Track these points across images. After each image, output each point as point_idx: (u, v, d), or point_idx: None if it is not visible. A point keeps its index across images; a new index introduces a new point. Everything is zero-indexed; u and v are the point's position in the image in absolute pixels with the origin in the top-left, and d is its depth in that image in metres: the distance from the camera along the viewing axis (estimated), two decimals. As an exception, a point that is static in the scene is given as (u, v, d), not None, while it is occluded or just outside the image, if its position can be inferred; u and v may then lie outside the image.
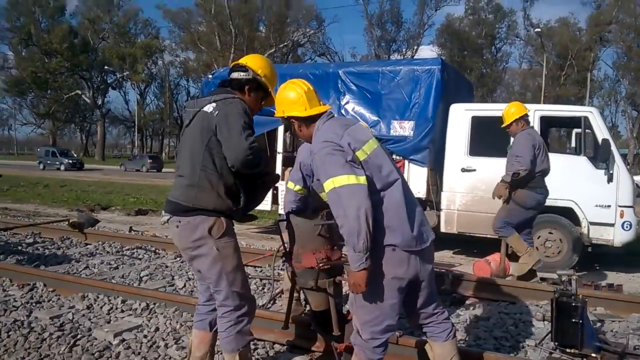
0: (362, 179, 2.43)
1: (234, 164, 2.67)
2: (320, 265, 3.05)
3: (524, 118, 5.97)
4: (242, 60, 2.97)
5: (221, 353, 3.34)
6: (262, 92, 2.94)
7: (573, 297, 3.31)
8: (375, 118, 8.53)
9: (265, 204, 8.77)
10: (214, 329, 2.93)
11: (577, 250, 7.34)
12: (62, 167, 40.16)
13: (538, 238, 7.54)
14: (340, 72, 8.91)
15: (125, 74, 59.65)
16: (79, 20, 62.72)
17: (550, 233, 7.53)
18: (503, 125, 6.21)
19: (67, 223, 7.42)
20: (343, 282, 3.27)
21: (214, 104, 2.76)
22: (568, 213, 7.43)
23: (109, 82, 64.32)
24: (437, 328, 2.73)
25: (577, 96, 50.84)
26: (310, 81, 8.89)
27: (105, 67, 58.90)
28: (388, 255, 2.49)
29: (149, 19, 65.17)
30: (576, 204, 7.37)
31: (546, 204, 7.46)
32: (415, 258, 2.52)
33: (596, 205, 7.28)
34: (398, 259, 2.49)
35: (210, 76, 10.29)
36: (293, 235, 3.32)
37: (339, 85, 8.83)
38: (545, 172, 5.97)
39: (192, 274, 5.89)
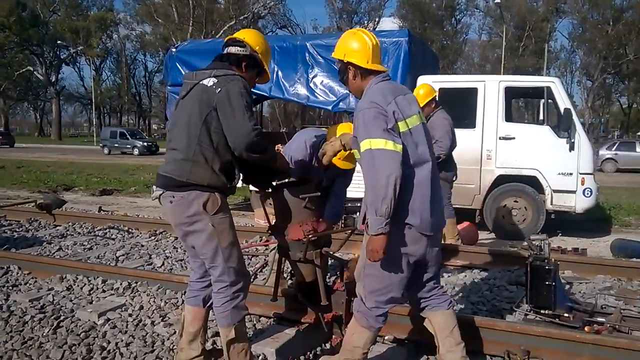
0: (399, 147, 2.46)
1: (236, 147, 2.64)
2: (309, 237, 3.11)
3: (434, 99, 6.05)
4: (239, 35, 2.92)
5: (211, 328, 3.40)
6: (257, 69, 2.91)
7: (546, 260, 3.48)
8: (344, 91, 8.52)
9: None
10: (207, 304, 2.95)
11: (542, 217, 7.63)
12: (136, 152, 33.57)
13: (504, 207, 7.82)
14: (307, 44, 8.85)
15: (79, 48, 57.37)
16: (27, -8, 59.73)
17: (515, 201, 7.80)
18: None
19: (33, 204, 7.24)
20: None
21: (214, 79, 2.69)
22: (532, 181, 7.69)
23: (62, 57, 61.69)
24: (439, 299, 2.82)
25: (534, 67, 51.96)
26: (277, 54, 8.83)
27: (58, 42, 56.43)
28: (403, 233, 2.56)
29: (100, -11, 62.65)
30: (540, 172, 7.63)
31: (511, 173, 7.77)
32: (426, 240, 2.61)
33: (559, 173, 7.55)
34: (412, 237, 2.57)
35: (174, 50, 10.03)
36: (279, 209, 3.36)
37: (307, 58, 8.77)
38: (454, 148, 6.04)
39: (170, 253, 5.88)
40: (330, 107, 8.70)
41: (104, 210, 8.69)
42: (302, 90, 8.77)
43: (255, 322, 3.70)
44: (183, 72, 9.54)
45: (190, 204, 2.66)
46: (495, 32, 56.88)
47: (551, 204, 7.63)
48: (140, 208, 10.45)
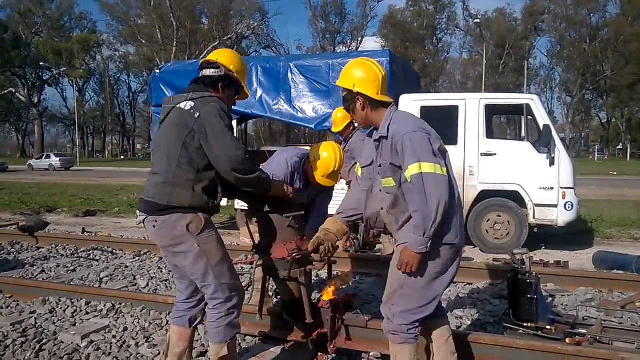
0: (445, 171, 2.54)
1: (222, 169, 2.64)
2: (293, 255, 3.13)
3: (352, 122, 6.33)
4: (212, 57, 2.90)
5: (196, 348, 3.38)
6: (235, 87, 2.90)
7: (527, 274, 3.54)
8: (327, 110, 8.61)
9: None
10: (193, 324, 2.95)
11: (525, 231, 7.73)
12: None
13: (487, 221, 7.91)
14: (290, 64, 8.95)
15: (62, 69, 57.25)
16: (8, 14, 59.63)
17: (498, 216, 7.89)
18: (335, 130, 6.60)
19: (16, 227, 7.15)
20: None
21: (191, 103, 2.69)
22: (514, 196, 7.80)
23: (44, 78, 61.53)
24: (438, 309, 2.86)
25: (515, 84, 52.96)
26: (260, 74, 8.93)
27: (40, 63, 56.28)
28: (446, 252, 2.62)
29: (84, 12, 62.90)
30: (521, 187, 7.74)
31: (494, 189, 7.88)
32: (459, 258, 2.71)
33: (540, 188, 7.67)
34: (453, 257, 2.67)
35: (158, 71, 10.08)
36: (263, 227, 3.38)
37: (290, 78, 8.87)
38: None
39: (154, 273, 5.85)
40: (313, 125, 8.78)
41: (87, 232, 8.60)
42: (285, 108, 8.85)
43: (240, 340, 3.69)
44: (167, 93, 9.59)
45: (173, 226, 2.65)
46: (475, 51, 58.01)
47: (534, 217, 7.73)
48: (124, 228, 10.37)
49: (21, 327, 4.02)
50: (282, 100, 8.93)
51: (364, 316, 3.51)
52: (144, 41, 53.08)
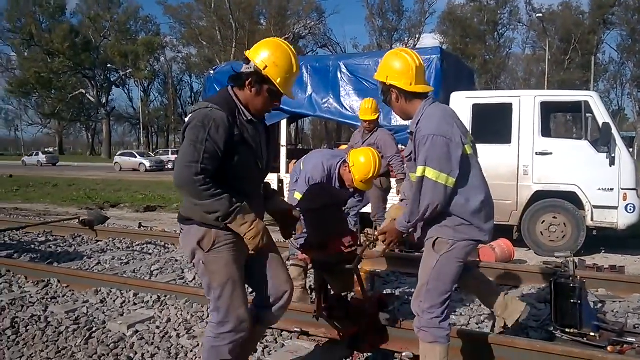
0: (451, 181, 2.64)
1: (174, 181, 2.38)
2: (350, 248, 3.21)
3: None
4: (248, 51, 2.55)
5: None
6: (268, 85, 2.43)
7: (571, 278, 3.40)
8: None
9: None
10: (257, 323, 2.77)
11: (582, 234, 7.42)
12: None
13: (542, 223, 7.64)
14: (340, 63, 8.99)
15: (128, 71, 59.87)
16: (80, 19, 63.16)
17: (554, 218, 7.60)
18: (364, 118, 6.52)
19: (77, 221, 7.57)
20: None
21: (193, 110, 2.45)
22: (571, 197, 7.49)
23: (112, 80, 64.63)
24: None
25: (581, 80, 50.58)
26: (310, 73, 9.05)
27: (108, 65, 59.11)
28: (471, 248, 2.81)
29: (149, 16, 65.67)
30: (579, 188, 7.43)
31: (549, 189, 7.60)
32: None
33: (599, 189, 7.33)
34: (470, 251, 2.82)
35: (212, 72, 10.38)
36: (315, 224, 3.44)
37: (339, 77, 8.91)
38: None
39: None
40: (362, 124, 8.76)
41: (143, 227, 8.97)
42: (334, 107, 8.90)
43: (276, 336, 3.75)
44: (220, 93, 9.88)
45: (189, 237, 2.51)
46: (539, 46, 55.79)
47: (592, 220, 7.40)
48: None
49: (74, 315, 4.27)
50: (331, 99, 8.98)
51: (399, 316, 3.50)
52: (205, 43, 54.59)
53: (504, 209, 7.63)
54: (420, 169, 2.65)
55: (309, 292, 4.45)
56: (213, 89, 9.99)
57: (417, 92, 2.72)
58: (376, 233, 3.11)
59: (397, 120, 8.41)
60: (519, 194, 7.71)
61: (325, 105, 9.00)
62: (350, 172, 3.82)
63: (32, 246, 7.30)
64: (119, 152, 42.86)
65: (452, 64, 8.97)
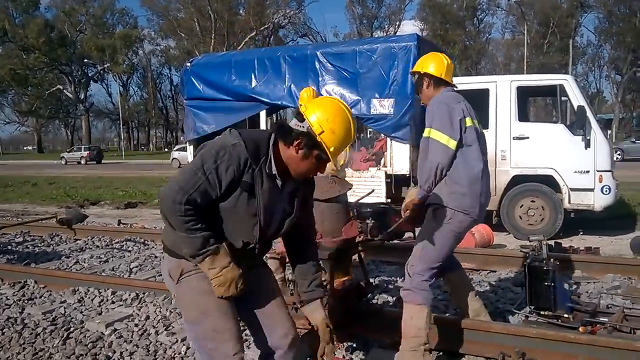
0: (452, 144, 3.00)
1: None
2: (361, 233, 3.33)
3: None
4: (303, 104, 2.22)
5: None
6: (319, 152, 2.09)
7: (544, 261, 3.45)
8: (355, 97, 8.56)
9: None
10: None
11: (560, 217, 7.51)
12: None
13: (521, 207, 7.72)
14: (317, 53, 8.90)
15: (105, 65, 59.04)
16: (55, 14, 61.93)
17: (532, 201, 7.70)
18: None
19: (55, 220, 7.47)
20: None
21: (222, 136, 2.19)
22: (548, 180, 7.59)
23: (89, 75, 63.63)
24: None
25: (560, 63, 51.02)
26: (288, 64, 8.95)
27: (85, 60, 58.17)
28: (462, 217, 3.05)
29: (125, 8, 64.61)
30: (556, 171, 7.52)
31: (527, 173, 7.68)
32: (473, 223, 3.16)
33: (575, 172, 7.43)
34: (469, 225, 3.13)
35: (189, 64, 10.22)
36: (326, 215, 3.46)
37: (317, 67, 8.83)
38: None
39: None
40: (341, 114, 8.74)
41: (123, 223, 8.89)
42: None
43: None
44: (198, 86, 9.75)
45: (163, 267, 2.34)
46: (518, 30, 56.06)
47: (569, 202, 7.51)
48: (161, 219, 10.65)
49: (51, 315, 4.22)
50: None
51: (377, 303, 3.52)
52: (183, 34, 53.99)
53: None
54: (426, 131, 3.10)
55: (288, 284, 4.45)
56: (191, 81, 9.86)
57: (445, 80, 3.21)
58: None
59: (376, 109, 8.41)
60: (497, 179, 7.77)
61: (304, 95, 8.95)
62: None
63: (9, 247, 7.19)
64: (176, 147, 38.23)
65: (429, 50, 8.87)
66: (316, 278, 2.41)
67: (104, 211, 12.45)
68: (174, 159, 35.45)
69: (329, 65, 8.80)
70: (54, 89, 59.30)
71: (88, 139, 61.93)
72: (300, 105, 2.20)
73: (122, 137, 64.27)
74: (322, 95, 8.77)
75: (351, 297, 3.50)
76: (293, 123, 2.12)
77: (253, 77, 9.22)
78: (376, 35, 51.81)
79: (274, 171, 2.13)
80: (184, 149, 36.35)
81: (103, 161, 44.08)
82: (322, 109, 2.09)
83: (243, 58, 9.72)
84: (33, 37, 54.93)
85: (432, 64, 3.25)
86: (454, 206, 3.01)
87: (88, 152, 44.37)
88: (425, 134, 3.12)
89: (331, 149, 2.08)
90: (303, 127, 2.07)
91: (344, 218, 3.54)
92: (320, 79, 8.84)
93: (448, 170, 3.02)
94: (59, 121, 74.06)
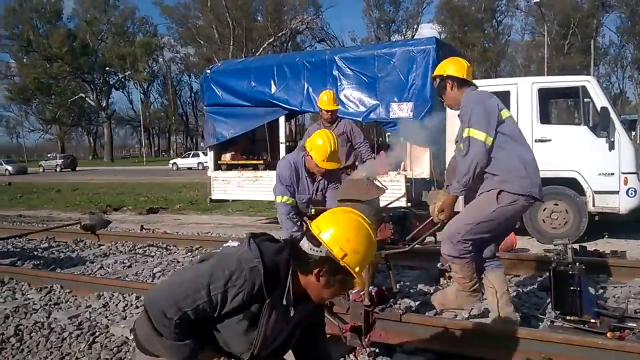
0: (490, 140, 3.32)
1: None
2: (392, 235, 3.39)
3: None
4: (315, 225, 1.91)
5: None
6: (342, 275, 1.87)
7: (570, 265, 3.39)
8: (374, 102, 8.58)
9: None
10: None
11: (584, 220, 7.39)
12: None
13: (544, 210, 7.62)
14: (336, 58, 8.95)
15: (126, 73, 59.98)
16: (77, 23, 63.09)
17: (555, 204, 7.58)
18: (326, 108, 6.23)
19: (79, 226, 7.59)
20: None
21: (236, 244, 2.00)
22: (572, 183, 7.47)
23: (111, 83, 64.69)
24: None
25: (582, 64, 50.28)
26: (307, 69, 9.01)
27: (107, 68, 59.20)
28: (506, 196, 3.34)
29: (145, 16, 65.47)
30: (579, 173, 7.40)
31: (550, 176, 7.57)
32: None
33: (599, 174, 7.30)
34: (514, 206, 3.39)
35: (209, 71, 10.35)
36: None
37: (336, 71, 8.88)
38: None
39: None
40: (360, 118, 8.75)
41: (145, 229, 8.99)
42: (332, 102, 8.85)
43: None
44: (217, 92, 9.87)
45: None
46: (538, 32, 55.42)
47: (593, 205, 7.37)
48: (183, 225, 10.75)
49: (77, 320, 4.29)
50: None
51: (398, 309, 3.50)
52: (202, 42, 54.55)
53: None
54: (467, 130, 3.36)
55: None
56: (210, 88, 9.99)
57: (468, 80, 3.48)
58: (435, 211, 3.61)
59: (395, 113, 8.40)
60: (520, 182, 7.68)
61: (323, 100, 8.97)
62: (312, 157, 4.09)
63: (35, 253, 7.32)
64: (172, 161, 43.08)
65: (448, 54, 8.90)
66: None
67: (126, 217, 12.61)
68: (173, 163, 41.39)
69: (348, 69, 8.85)
70: (77, 97, 60.49)
71: (110, 145, 62.94)
72: (312, 226, 1.91)
73: (143, 144, 65.08)
74: (340, 99, 8.79)
75: (374, 302, 3.48)
76: (307, 247, 1.86)
77: (272, 82, 9.30)
78: (394, 39, 51.69)
79: (290, 302, 1.89)
80: (188, 155, 39.56)
81: (78, 168, 47.41)
82: (337, 227, 1.86)
83: (262, 64, 9.83)
84: (56, 47, 56.12)
85: (453, 66, 3.50)
86: (513, 190, 3.32)
87: (63, 160, 48.58)
88: (465, 134, 3.37)
89: (356, 269, 1.85)
90: (321, 251, 1.82)
91: (378, 220, 3.55)
92: (339, 83, 8.88)
93: (485, 166, 3.33)
94: (81, 128, 75.42)
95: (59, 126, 67.05)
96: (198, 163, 38.02)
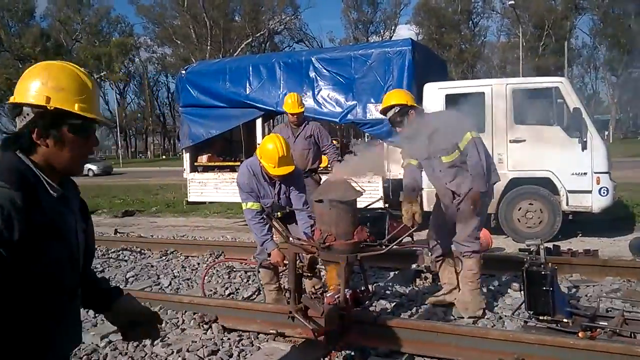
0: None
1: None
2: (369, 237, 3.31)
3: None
4: (12, 97, 1.59)
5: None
6: (67, 124, 1.53)
7: (542, 265, 3.41)
8: (351, 102, 8.57)
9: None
10: None
11: (558, 219, 7.49)
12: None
13: (519, 210, 7.69)
14: (312, 58, 8.92)
15: (102, 74, 58.94)
16: (50, 23, 61.78)
17: (530, 204, 7.66)
18: (294, 112, 6.20)
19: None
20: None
21: None
22: (546, 183, 7.56)
23: (86, 83, 63.56)
24: None
25: (556, 65, 51.10)
26: (283, 70, 8.94)
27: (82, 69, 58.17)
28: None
29: (119, 15, 64.56)
30: (553, 173, 7.49)
31: (524, 176, 7.65)
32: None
33: (572, 174, 7.40)
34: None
35: (184, 72, 10.21)
36: (337, 218, 3.41)
37: (312, 72, 8.84)
38: None
39: (178, 272, 5.96)
40: (337, 119, 8.74)
41: (120, 233, 8.83)
42: (308, 103, 8.79)
43: (252, 338, 3.71)
44: (193, 93, 9.74)
45: None
46: (513, 33, 56.18)
47: (567, 205, 7.47)
48: (159, 227, 10.60)
49: (46, 328, 4.16)
50: (305, 95, 8.89)
51: (374, 311, 3.48)
52: (179, 42, 53.96)
53: (481, 197, 7.67)
54: (466, 136, 3.89)
55: (283, 292, 4.41)
56: (186, 88, 9.86)
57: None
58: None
59: (372, 114, 8.40)
60: (495, 182, 7.74)
61: (299, 101, 8.93)
62: (264, 166, 4.02)
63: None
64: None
65: (424, 55, 8.97)
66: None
67: (101, 220, 12.38)
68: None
69: (324, 70, 8.82)
70: (51, 98, 59.28)
71: (85, 147, 61.70)
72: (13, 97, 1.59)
73: (120, 145, 64.11)
74: (317, 100, 8.76)
75: (349, 305, 3.45)
76: (17, 124, 1.53)
77: (247, 83, 9.22)
78: (372, 40, 51.88)
79: (58, 191, 1.52)
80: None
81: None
82: (29, 79, 1.57)
83: (237, 65, 9.72)
84: (29, 47, 54.87)
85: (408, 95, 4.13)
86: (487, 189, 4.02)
87: None
88: (466, 138, 3.87)
89: (76, 107, 1.52)
90: (27, 115, 1.50)
91: (356, 222, 3.49)
92: (315, 84, 8.85)
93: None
94: (56, 130, 73.95)
95: (33, 128, 65.76)
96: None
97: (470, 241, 4.03)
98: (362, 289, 3.65)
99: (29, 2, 59.79)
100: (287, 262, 3.64)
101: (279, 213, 4.23)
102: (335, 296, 3.40)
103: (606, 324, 3.32)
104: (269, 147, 3.97)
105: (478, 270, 4.01)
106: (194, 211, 12.42)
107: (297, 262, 3.45)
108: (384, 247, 3.45)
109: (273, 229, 4.03)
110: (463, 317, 3.95)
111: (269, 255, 4.04)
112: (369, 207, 6.86)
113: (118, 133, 62.47)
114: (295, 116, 6.08)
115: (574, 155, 7.35)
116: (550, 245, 5.80)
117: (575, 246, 6.65)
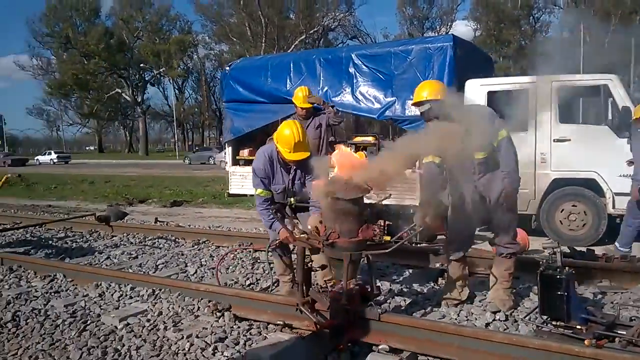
0: None
1: None
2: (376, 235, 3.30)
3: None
4: None
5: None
6: None
7: (558, 269, 3.27)
8: (390, 99, 8.46)
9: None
10: None
11: (603, 222, 7.16)
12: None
13: (561, 211, 7.41)
14: (352, 55, 8.86)
15: (161, 70, 61.05)
16: (114, 21, 64.56)
17: (573, 206, 7.37)
18: (303, 105, 6.26)
19: (94, 217, 7.77)
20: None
21: None
22: (591, 184, 7.24)
23: (146, 79, 66.02)
24: None
25: (623, 62, 48.59)
26: (323, 66, 8.94)
27: (142, 65, 60.40)
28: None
29: (178, 13, 66.49)
30: (599, 174, 7.17)
31: (568, 176, 7.34)
32: None
33: (620, 175, 7.04)
34: None
35: (228, 68, 10.39)
36: (343, 215, 3.43)
37: (352, 69, 8.80)
38: None
39: (205, 261, 6.12)
40: (375, 116, 8.67)
41: (159, 221, 9.12)
42: (347, 99, 8.78)
43: (261, 329, 3.76)
44: (236, 88, 9.91)
45: None
46: (576, 29, 53.79)
47: (613, 207, 7.13)
48: (203, 218, 10.87)
49: (72, 308, 4.39)
50: (344, 92, 8.88)
51: (384, 310, 3.45)
52: (235, 39, 54.95)
53: (521, 197, 7.35)
54: (501, 133, 4.00)
55: (293, 285, 4.42)
56: (229, 85, 10.03)
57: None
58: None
59: (411, 111, 8.27)
60: (537, 182, 7.49)
61: (339, 98, 8.90)
62: (280, 151, 4.09)
63: (50, 242, 7.53)
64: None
65: (466, 51, 8.73)
66: None
67: (150, 209, 12.84)
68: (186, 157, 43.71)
69: (364, 67, 8.75)
70: (113, 92, 62.08)
71: (145, 139, 64.28)
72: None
73: (177, 138, 66.18)
74: (316, 95, 8.67)
75: (355, 300, 3.44)
76: None
77: (288, 79, 9.28)
78: (428, 36, 51.01)
79: None
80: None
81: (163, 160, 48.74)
82: None
83: (279, 61, 9.81)
84: (94, 44, 57.67)
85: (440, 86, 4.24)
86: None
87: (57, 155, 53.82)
88: (501, 134, 3.99)
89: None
90: None
91: (361, 219, 3.47)
92: (354, 80, 8.80)
93: None
94: (118, 123, 77.28)
95: (96, 120, 68.94)
96: (209, 157, 39.94)
97: (513, 243, 4.15)
98: (371, 285, 3.63)
99: (94, 2, 62.73)
100: (297, 235, 3.71)
101: (292, 199, 4.28)
102: (340, 291, 3.40)
103: (624, 333, 3.14)
104: (286, 132, 4.03)
105: (514, 270, 4.14)
106: (238, 203, 12.65)
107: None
108: (393, 244, 3.39)
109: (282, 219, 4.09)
110: (499, 311, 3.97)
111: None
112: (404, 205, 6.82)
113: (175, 127, 64.55)
114: (304, 110, 6.21)
115: (622, 157, 6.99)
116: (583, 249, 5.54)
117: (604, 252, 6.31)
